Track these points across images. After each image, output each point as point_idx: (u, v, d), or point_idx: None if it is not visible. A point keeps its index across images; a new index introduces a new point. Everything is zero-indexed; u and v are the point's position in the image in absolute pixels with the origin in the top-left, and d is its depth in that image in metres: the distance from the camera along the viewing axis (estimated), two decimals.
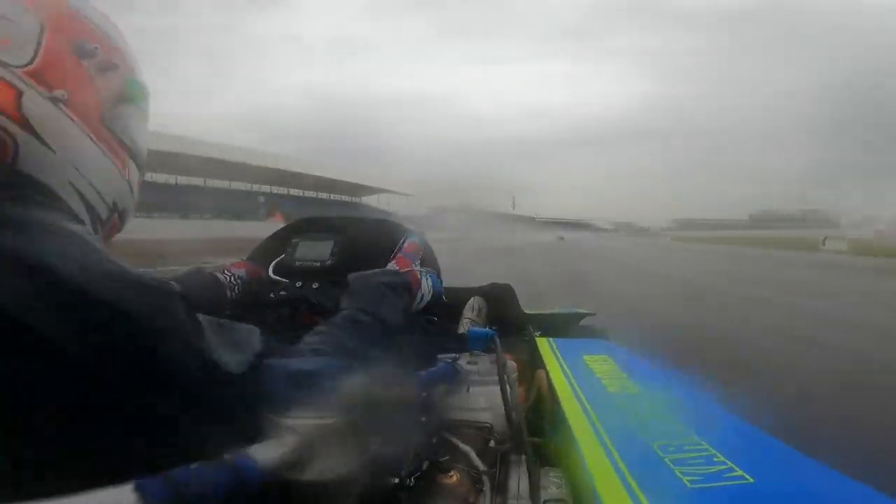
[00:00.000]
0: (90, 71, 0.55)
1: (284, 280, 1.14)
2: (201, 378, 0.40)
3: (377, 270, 0.90)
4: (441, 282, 1.14)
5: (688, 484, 0.53)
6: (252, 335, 0.50)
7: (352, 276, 0.87)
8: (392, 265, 0.98)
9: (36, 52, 0.50)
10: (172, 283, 0.44)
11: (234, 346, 0.46)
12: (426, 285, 0.96)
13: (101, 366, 0.35)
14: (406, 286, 0.89)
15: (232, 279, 1.08)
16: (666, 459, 0.59)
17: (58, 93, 0.51)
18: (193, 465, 0.32)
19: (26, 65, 0.49)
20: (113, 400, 0.36)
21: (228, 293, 1.06)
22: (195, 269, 1.03)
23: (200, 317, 0.45)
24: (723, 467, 0.56)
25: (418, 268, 0.98)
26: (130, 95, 0.60)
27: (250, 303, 1.11)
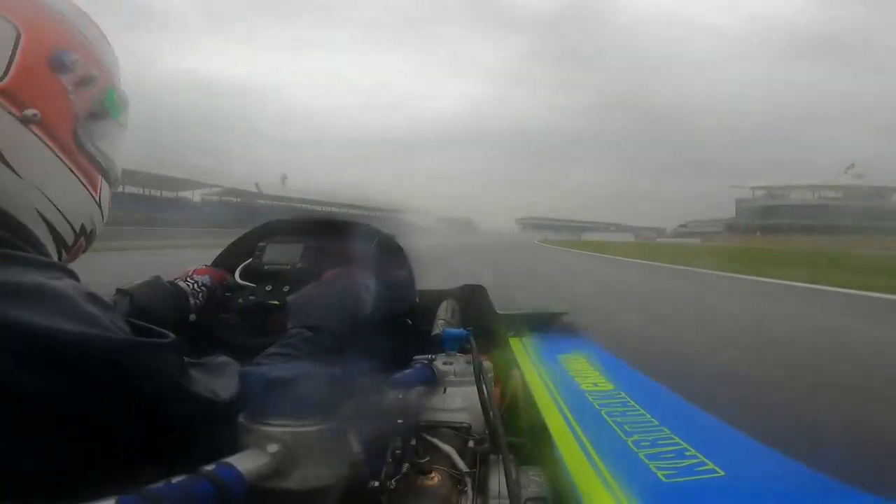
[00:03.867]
0: (67, 86, 0.50)
1: (252, 285, 1.12)
2: (193, 418, 0.39)
3: (310, 285, 0.89)
4: (414, 282, 1.14)
5: (662, 478, 0.55)
6: (229, 366, 0.48)
7: (289, 299, 0.85)
8: (326, 275, 0.96)
9: (8, 67, 0.46)
10: (162, 331, 0.42)
11: (216, 377, 0.45)
12: (361, 276, 0.94)
13: (89, 420, 0.35)
14: (343, 290, 0.87)
15: (195, 286, 1.05)
16: (640, 454, 0.60)
17: (29, 112, 0.47)
18: (175, 479, 0.31)
19: None
20: (104, 450, 0.35)
21: (192, 301, 1.03)
22: (153, 278, 0.99)
23: (182, 349, 0.43)
24: (695, 461, 0.58)
25: (356, 270, 0.96)
26: (108, 109, 0.56)
27: (217, 309, 1.09)
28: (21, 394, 0.32)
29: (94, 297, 0.40)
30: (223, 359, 0.49)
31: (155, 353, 0.39)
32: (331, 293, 0.85)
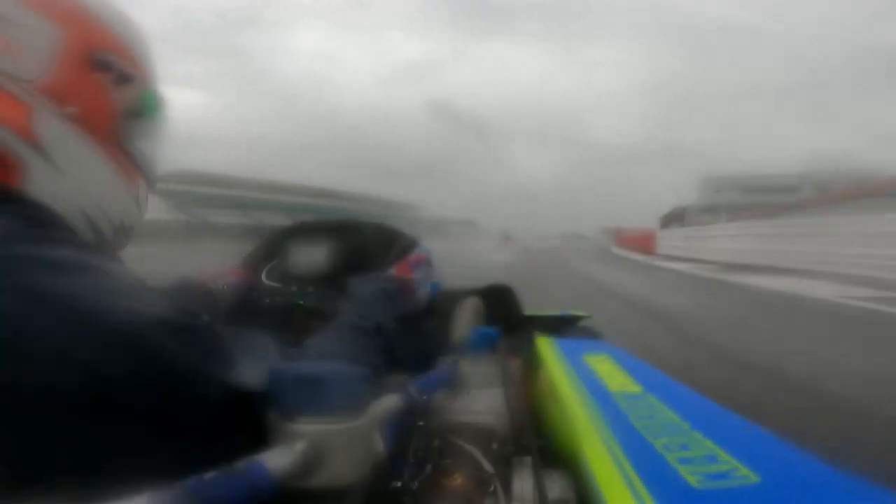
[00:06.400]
0: (104, 85, 0.52)
1: (278, 285, 1.14)
2: (226, 401, 0.40)
3: (378, 274, 0.91)
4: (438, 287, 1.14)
5: (693, 483, 0.53)
6: (268, 344, 0.49)
7: (353, 280, 0.87)
8: (392, 271, 0.98)
9: (49, 65, 0.48)
10: (199, 313, 0.42)
11: (253, 357, 0.45)
12: (423, 294, 0.97)
13: (128, 398, 0.35)
14: (402, 293, 0.90)
15: (223, 286, 1.08)
16: (670, 459, 0.59)
17: (69, 109, 0.48)
18: (206, 475, 0.32)
19: (38, 78, 0.47)
20: (140, 428, 0.35)
21: (220, 301, 1.06)
22: (184, 279, 1.02)
23: (223, 329, 0.44)
24: (728, 466, 0.56)
25: (419, 276, 0.98)
26: (145, 109, 0.58)
27: (244, 310, 1.11)
28: (64, 365, 0.32)
29: (138, 279, 0.40)
30: (263, 338, 0.50)
31: (201, 333, 0.39)
32: (367, 283, 0.87)
